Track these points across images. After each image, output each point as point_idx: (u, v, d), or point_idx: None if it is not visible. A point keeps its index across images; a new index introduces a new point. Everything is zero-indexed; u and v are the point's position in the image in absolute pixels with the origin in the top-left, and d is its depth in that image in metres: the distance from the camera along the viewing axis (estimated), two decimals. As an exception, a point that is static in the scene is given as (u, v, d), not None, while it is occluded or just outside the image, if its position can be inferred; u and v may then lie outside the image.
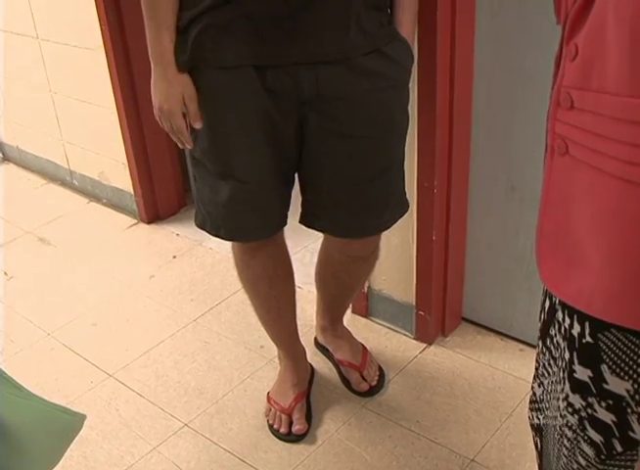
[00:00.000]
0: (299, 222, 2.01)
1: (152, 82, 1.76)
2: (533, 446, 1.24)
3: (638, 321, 0.88)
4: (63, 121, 3.61)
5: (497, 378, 2.38)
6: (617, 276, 0.88)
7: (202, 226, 1.97)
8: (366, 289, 2.60)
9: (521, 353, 2.46)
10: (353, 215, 1.95)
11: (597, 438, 1.00)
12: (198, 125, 1.76)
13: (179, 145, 1.84)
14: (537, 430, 1.18)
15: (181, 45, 1.71)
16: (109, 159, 3.46)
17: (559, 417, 1.06)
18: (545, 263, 0.99)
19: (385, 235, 2.11)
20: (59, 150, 3.74)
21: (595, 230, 0.89)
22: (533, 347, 2.42)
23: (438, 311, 2.51)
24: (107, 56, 3.08)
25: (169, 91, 1.73)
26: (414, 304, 2.50)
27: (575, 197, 0.91)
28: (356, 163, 1.85)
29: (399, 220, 2.04)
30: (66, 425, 1.09)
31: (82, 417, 1.10)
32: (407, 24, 1.81)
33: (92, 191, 3.69)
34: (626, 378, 0.93)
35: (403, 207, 2.03)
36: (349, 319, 2.63)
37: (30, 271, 3.16)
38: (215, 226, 1.93)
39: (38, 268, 3.18)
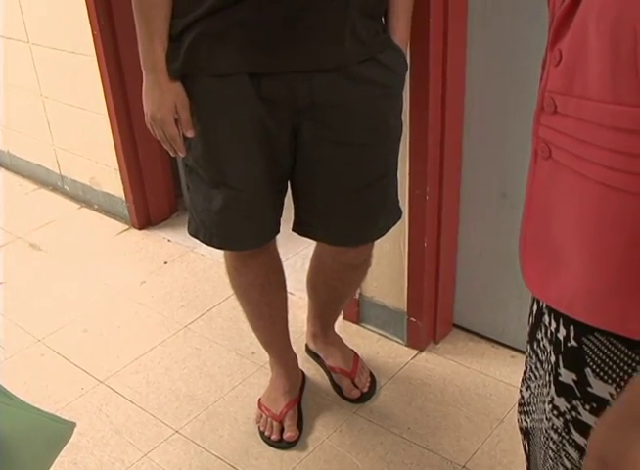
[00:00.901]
0: (293, 230, 2.01)
1: (143, 91, 1.75)
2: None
3: (617, 325, 0.89)
4: (54, 127, 3.60)
5: (488, 385, 2.38)
6: (597, 280, 0.89)
7: (195, 234, 1.96)
8: (357, 295, 2.60)
9: (512, 360, 2.47)
10: (348, 223, 1.95)
11: (582, 440, 1.01)
12: (190, 134, 1.76)
13: (171, 153, 1.83)
14: (525, 433, 1.18)
15: (174, 53, 1.70)
16: (100, 164, 3.45)
17: (545, 420, 1.06)
18: (528, 266, 1.00)
19: (376, 242, 2.11)
20: (50, 155, 3.73)
21: (576, 234, 0.89)
22: (525, 353, 2.42)
23: (430, 318, 2.51)
24: (98, 61, 3.08)
25: (162, 99, 1.72)
26: (405, 310, 2.50)
27: (557, 201, 0.92)
28: (351, 170, 1.85)
29: (391, 227, 2.04)
30: (55, 433, 1.08)
31: (72, 425, 1.10)
32: (401, 32, 1.81)
33: (83, 196, 3.68)
34: (610, 382, 0.93)
35: (397, 214, 2.03)
36: (341, 326, 2.63)
37: (21, 277, 3.15)
38: (209, 235, 1.93)
39: (29, 274, 3.17)
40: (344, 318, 2.69)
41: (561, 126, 0.89)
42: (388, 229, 2.03)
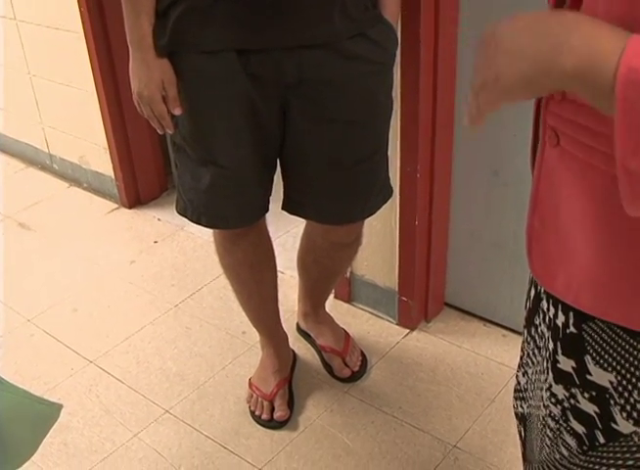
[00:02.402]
0: (282, 209, 1.99)
1: (130, 68, 1.73)
2: (515, 433, 1.23)
3: (624, 317, 0.88)
4: (42, 105, 3.57)
5: (480, 364, 2.38)
6: (605, 271, 0.87)
7: (183, 213, 1.95)
8: (348, 274, 2.59)
9: (504, 339, 2.46)
10: (338, 202, 1.93)
11: (580, 429, 1.00)
12: (177, 112, 1.73)
13: (159, 131, 1.81)
14: (521, 419, 1.17)
15: (160, 29, 1.68)
16: (89, 142, 3.43)
17: (542, 407, 1.05)
18: (535, 257, 0.99)
19: (367, 220, 2.09)
20: (38, 134, 3.70)
21: (584, 225, 0.88)
22: (517, 332, 2.42)
23: (421, 297, 2.50)
24: (86, 38, 3.05)
25: (149, 77, 1.70)
26: (396, 289, 2.50)
27: (565, 190, 0.90)
28: (341, 148, 1.83)
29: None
30: (42, 415, 1.08)
31: (59, 407, 1.10)
32: (391, 8, 1.79)
33: (72, 175, 3.66)
34: (610, 369, 0.92)
35: (387, 192, 2.02)
36: (332, 305, 2.62)
37: (10, 256, 3.13)
38: (197, 214, 1.91)
39: (18, 253, 3.15)
40: (335, 297, 2.68)
41: (569, 114, 0.87)
42: (379, 208, 2.02)
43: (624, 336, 0.89)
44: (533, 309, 1.04)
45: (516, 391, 1.17)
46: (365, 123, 1.84)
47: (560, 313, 0.96)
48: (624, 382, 0.92)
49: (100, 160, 3.42)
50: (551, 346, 0.99)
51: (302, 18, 1.65)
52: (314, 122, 1.79)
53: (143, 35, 1.67)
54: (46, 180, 3.73)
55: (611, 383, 0.93)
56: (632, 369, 0.90)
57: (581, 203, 0.87)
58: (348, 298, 2.67)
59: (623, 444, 0.96)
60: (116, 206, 3.45)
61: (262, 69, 1.69)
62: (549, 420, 1.04)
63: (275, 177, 1.94)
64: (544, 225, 0.96)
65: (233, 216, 1.93)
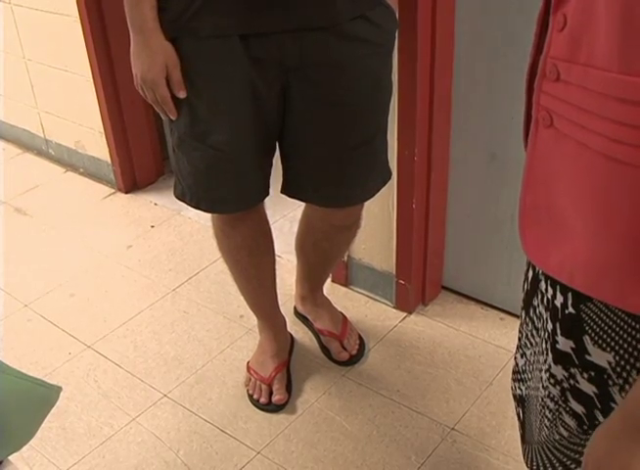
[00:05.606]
0: (281, 192, 1.98)
1: (132, 52, 1.71)
2: (513, 415, 1.24)
3: (617, 298, 0.87)
4: (38, 90, 3.55)
5: (477, 347, 2.38)
6: (599, 252, 0.87)
7: (181, 198, 1.93)
8: (346, 258, 2.59)
9: (501, 322, 2.46)
10: (338, 184, 1.93)
11: (579, 409, 1.00)
12: (182, 95, 1.72)
13: (162, 116, 1.80)
14: (520, 401, 1.17)
15: (160, 14, 1.67)
16: (85, 127, 3.42)
17: (541, 388, 1.05)
18: (528, 235, 0.98)
19: (365, 204, 2.09)
20: (34, 119, 3.69)
21: (578, 205, 0.87)
22: (514, 315, 2.42)
23: (419, 280, 2.50)
24: (82, 22, 3.03)
25: (152, 60, 1.68)
26: (394, 272, 2.49)
27: (559, 171, 0.89)
28: (341, 130, 1.83)
29: (379, 189, 2.02)
30: (41, 398, 1.07)
31: (58, 389, 1.09)
32: None
33: (69, 160, 3.65)
34: (608, 350, 0.92)
35: (386, 175, 2.01)
36: (329, 288, 2.62)
37: (7, 242, 3.12)
38: (196, 198, 1.90)
39: (15, 239, 3.14)
40: (333, 281, 2.68)
41: (564, 95, 0.86)
42: (379, 190, 2.01)
43: (622, 316, 0.89)
44: (532, 291, 1.04)
45: (514, 372, 1.17)
46: (366, 106, 1.83)
47: (558, 294, 0.96)
48: (622, 362, 0.92)
49: (96, 144, 3.41)
50: (550, 327, 0.99)
51: (304, 0, 1.64)
52: (315, 105, 1.78)
53: (145, 18, 1.65)
54: (42, 165, 3.72)
55: (609, 363, 0.93)
56: (630, 349, 0.90)
57: (575, 184, 0.87)
58: (346, 281, 2.67)
59: None
60: (113, 190, 3.45)
61: (264, 52, 1.68)
62: (548, 401, 1.04)
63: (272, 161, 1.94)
64: (537, 204, 0.95)
65: (233, 200, 1.93)
